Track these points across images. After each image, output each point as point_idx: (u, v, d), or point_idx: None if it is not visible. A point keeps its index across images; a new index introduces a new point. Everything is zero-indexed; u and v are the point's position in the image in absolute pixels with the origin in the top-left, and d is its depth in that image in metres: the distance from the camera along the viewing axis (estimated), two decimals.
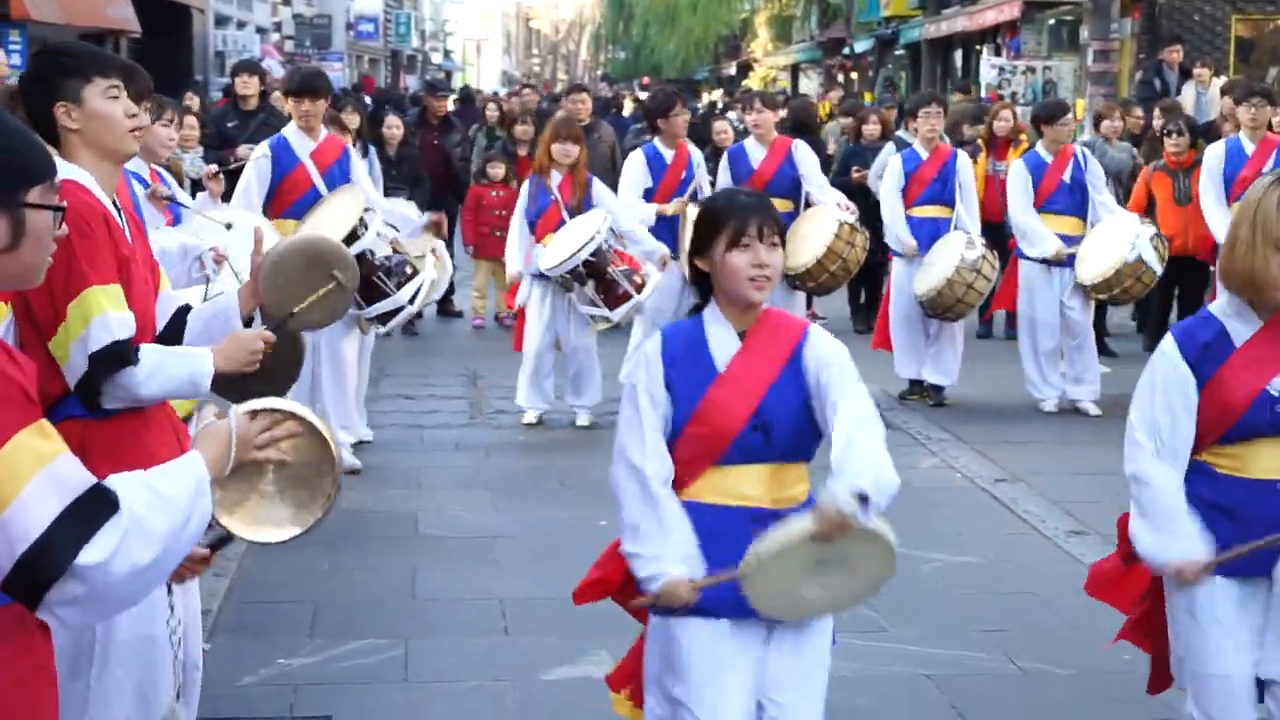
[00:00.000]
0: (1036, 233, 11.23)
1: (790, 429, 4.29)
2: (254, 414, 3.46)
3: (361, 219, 8.91)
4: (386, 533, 8.37)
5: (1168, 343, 4.52)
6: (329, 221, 8.74)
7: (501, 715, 5.94)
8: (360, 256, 8.94)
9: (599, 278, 10.26)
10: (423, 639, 6.72)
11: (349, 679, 6.26)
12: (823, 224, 11.20)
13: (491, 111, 17.11)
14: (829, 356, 4.30)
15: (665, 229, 11.10)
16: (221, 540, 3.77)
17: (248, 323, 4.64)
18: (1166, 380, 4.48)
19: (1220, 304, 4.52)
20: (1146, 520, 4.52)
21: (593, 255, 10.13)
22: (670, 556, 4.23)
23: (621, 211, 10.74)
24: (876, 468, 4.03)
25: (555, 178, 10.66)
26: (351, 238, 8.79)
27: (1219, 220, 11.10)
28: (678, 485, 4.31)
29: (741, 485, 4.30)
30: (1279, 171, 4.52)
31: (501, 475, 9.66)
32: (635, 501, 4.28)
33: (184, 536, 2.96)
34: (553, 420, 10.99)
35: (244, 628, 6.83)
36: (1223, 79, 18.59)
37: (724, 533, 4.23)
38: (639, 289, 10.29)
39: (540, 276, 10.56)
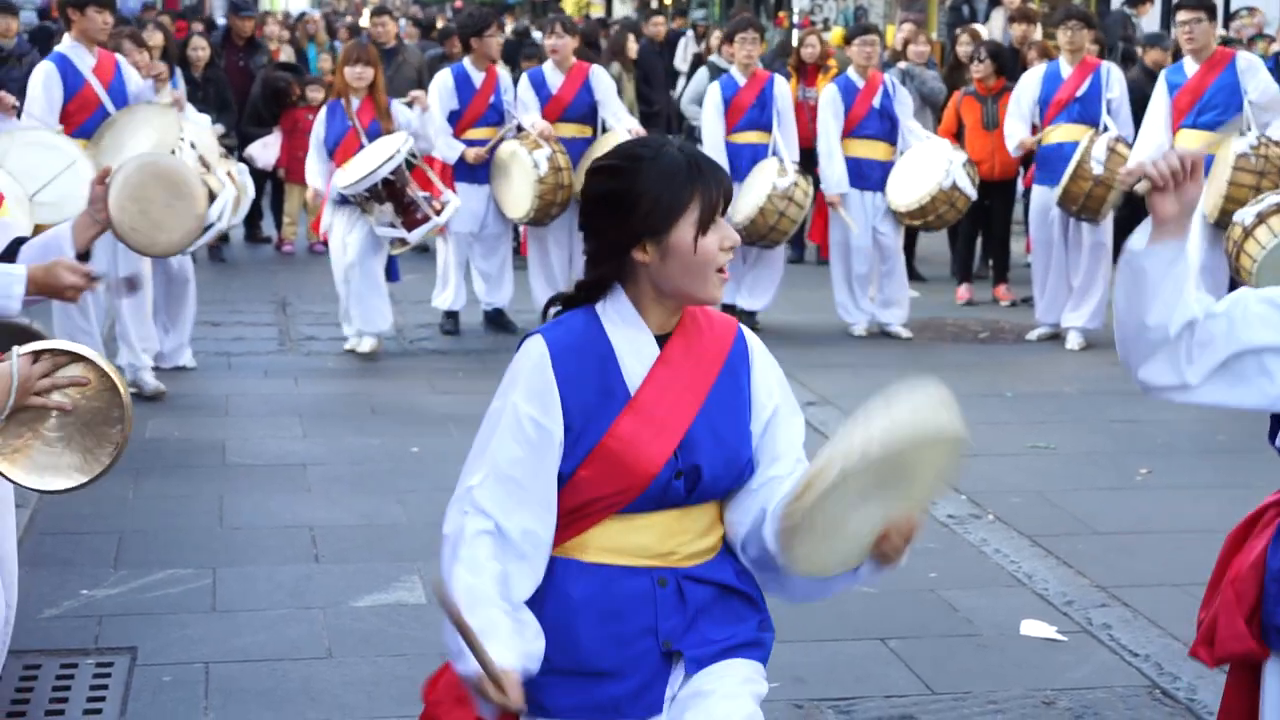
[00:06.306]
0: (830, 165, 11.43)
1: (722, 472, 3.20)
2: (37, 355, 3.35)
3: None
4: (193, 461, 8.22)
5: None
6: (148, 142, 8.71)
7: (312, 642, 5.87)
8: None
9: (398, 199, 10.14)
10: (231, 567, 6.61)
11: (155, 609, 6.15)
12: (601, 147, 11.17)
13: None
14: (765, 375, 3.31)
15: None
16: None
17: (83, 256, 4.42)
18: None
19: None
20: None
21: (391, 174, 9.99)
22: (504, 634, 3.01)
23: (429, 128, 10.65)
24: None
25: (355, 104, 10.51)
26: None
27: (1015, 135, 11.33)
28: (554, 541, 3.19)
29: (641, 537, 3.18)
30: None
31: (311, 402, 9.53)
32: (473, 563, 3.08)
33: None
34: None
35: (46, 559, 6.67)
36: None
37: (624, 607, 3.14)
38: (438, 213, 10.21)
39: (344, 202, 10.40)
